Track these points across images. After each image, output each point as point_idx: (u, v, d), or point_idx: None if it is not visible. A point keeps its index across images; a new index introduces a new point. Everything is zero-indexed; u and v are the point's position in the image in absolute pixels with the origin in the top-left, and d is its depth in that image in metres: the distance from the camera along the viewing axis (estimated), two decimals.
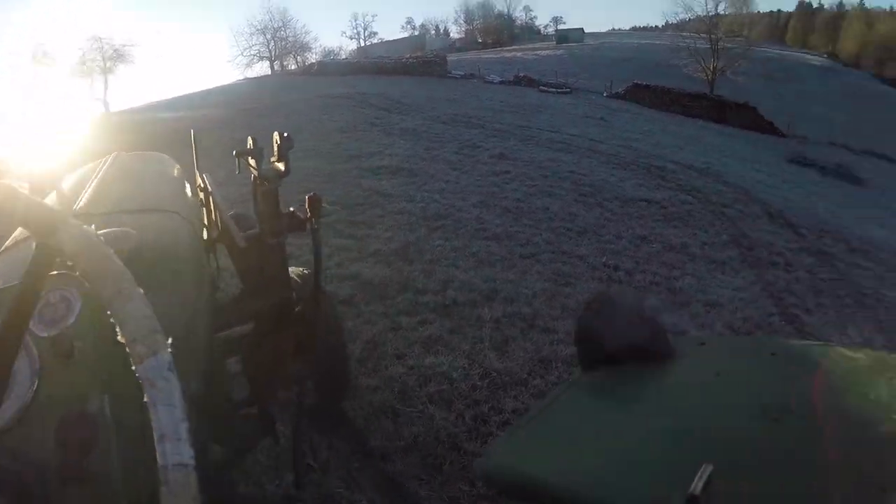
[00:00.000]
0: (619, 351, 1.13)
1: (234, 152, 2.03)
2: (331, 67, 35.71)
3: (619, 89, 32.25)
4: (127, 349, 0.51)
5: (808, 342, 2.64)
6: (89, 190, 1.61)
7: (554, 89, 30.48)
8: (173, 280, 1.25)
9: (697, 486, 0.65)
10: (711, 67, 38.18)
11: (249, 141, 1.99)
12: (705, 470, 0.67)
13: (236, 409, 1.91)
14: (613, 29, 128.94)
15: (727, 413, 0.93)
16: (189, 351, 1.15)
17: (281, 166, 1.90)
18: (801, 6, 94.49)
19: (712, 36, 38.67)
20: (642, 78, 35.57)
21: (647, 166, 10.82)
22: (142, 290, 0.54)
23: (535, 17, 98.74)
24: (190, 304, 1.29)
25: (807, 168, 20.69)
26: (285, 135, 1.89)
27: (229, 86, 35.80)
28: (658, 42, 58.30)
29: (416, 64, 33.81)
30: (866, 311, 5.64)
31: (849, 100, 46.89)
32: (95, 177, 1.76)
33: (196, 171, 2.51)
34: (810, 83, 50.33)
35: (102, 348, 0.89)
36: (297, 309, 2.09)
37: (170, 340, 0.51)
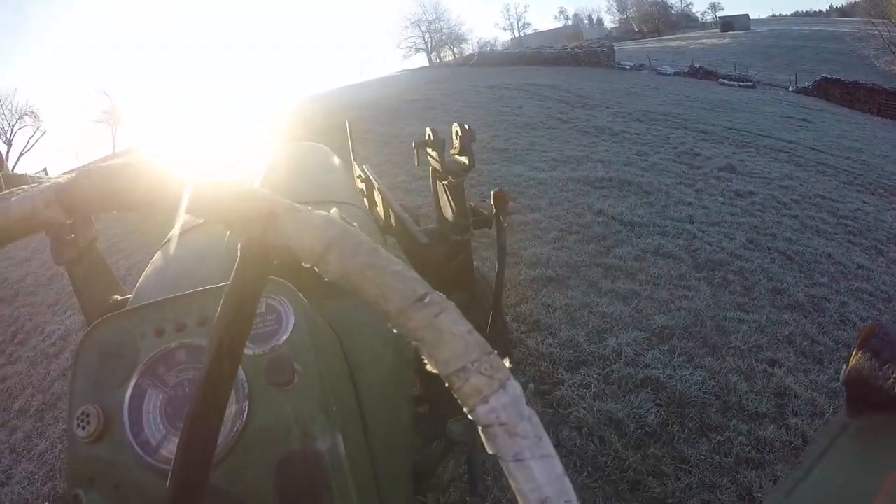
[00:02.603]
0: None
1: (413, 143, 1.96)
2: (490, 58, 34.60)
3: (806, 83, 27.48)
4: (450, 385, 0.30)
5: None
6: (260, 182, 1.46)
7: (736, 83, 26.80)
8: None
9: None
10: None
11: (428, 132, 1.87)
12: None
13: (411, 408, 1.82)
14: (774, 14, 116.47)
15: None
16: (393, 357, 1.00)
17: (464, 160, 1.75)
18: None
19: None
20: (820, 69, 30.40)
21: None
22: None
23: (690, 3, 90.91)
24: None
25: None
26: (466, 126, 1.76)
27: (389, 77, 35.74)
28: (830, 29, 51.15)
29: (581, 54, 31.26)
30: None
31: None
32: (265, 168, 1.67)
33: (354, 162, 2.39)
34: None
35: (329, 373, 0.71)
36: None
37: (507, 364, 0.31)
